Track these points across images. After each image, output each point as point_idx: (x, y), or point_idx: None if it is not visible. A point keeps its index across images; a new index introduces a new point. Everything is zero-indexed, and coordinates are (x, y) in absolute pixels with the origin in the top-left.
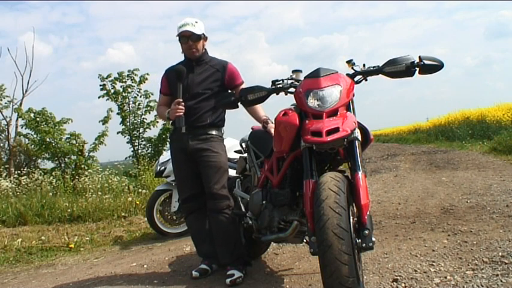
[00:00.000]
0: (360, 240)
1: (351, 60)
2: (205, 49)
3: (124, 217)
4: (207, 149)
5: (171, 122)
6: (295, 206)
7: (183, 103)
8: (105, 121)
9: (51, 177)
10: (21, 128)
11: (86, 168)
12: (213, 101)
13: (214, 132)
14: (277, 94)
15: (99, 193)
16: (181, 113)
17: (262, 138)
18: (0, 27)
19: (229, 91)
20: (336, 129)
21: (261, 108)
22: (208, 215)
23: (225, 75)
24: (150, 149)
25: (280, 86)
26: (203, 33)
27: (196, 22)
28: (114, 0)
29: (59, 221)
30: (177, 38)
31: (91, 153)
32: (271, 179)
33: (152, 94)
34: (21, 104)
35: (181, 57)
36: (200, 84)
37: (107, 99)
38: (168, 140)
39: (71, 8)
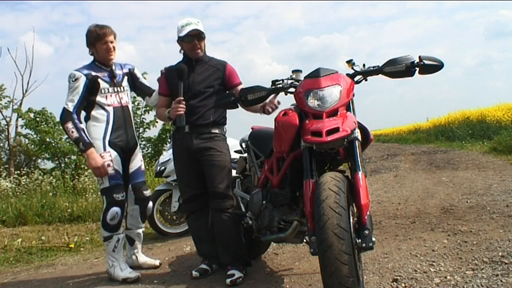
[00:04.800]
0: (360, 240)
1: (351, 60)
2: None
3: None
4: (211, 147)
5: (170, 122)
6: (295, 206)
7: (184, 102)
8: None
9: (51, 177)
10: (21, 128)
11: (86, 168)
12: (214, 99)
13: (217, 131)
14: (277, 94)
15: (99, 193)
16: (182, 112)
17: (262, 138)
18: (1, 27)
19: (228, 91)
20: (336, 129)
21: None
22: (210, 215)
23: (225, 73)
24: (150, 149)
25: (280, 86)
26: (204, 33)
27: (198, 22)
28: (115, 0)
29: (59, 221)
30: (180, 37)
31: None
32: (271, 179)
33: None
34: (21, 104)
35: (181, 57)
36: (202, 83)
37: None
38: (168, 140)
39: (72, 8)
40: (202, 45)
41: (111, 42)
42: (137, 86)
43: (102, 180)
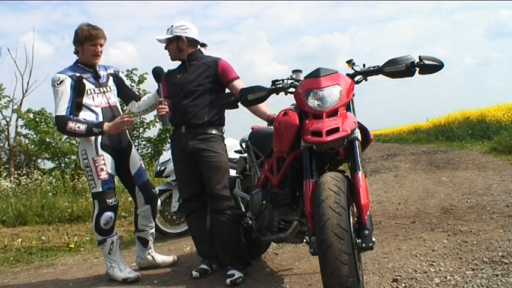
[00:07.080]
0: (360, 240)
1: (351, 60)
2: (198, 48)
3: (124, 217)
4: (206, 149)
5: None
6: (295, 206)
7: (165, 102)
8: None
9: (51, 177)
10: (21, 128)
11: None
12: (207, 98)
13: (214, 132)
14: (277, 94)
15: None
16: (164, 112)
17: (262, 138)
18: (1, 27)
19: (227, 89)
20: (336, 129)
21: (265, 105)
22: (209, 215)
23: (217, 70)
24: (150, 149)
25: (280, 86)
26: (176, 36)
27: (171, 26)
28: (115, 0)
29: (59, 221)
30: None
31: None
32: (271, 179)
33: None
34: (21, 104)
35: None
36: (192, 82)
37: None
38: (168, 140)
39: (72, 8)
40: (170, 47)
41: (101, 45)
42: (123, 90)
43: (94, 184)
